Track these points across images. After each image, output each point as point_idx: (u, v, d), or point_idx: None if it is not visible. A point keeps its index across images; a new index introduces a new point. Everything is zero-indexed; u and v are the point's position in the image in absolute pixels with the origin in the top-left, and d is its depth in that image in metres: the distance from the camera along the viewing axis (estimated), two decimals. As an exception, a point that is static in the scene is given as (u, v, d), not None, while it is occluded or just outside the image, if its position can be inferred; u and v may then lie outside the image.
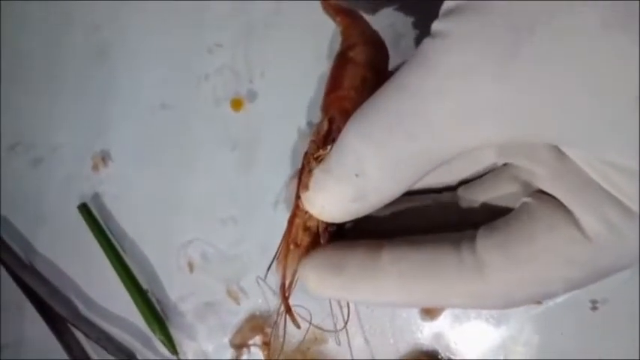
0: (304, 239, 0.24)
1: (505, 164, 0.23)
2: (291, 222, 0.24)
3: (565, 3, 0.16)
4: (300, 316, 0.25)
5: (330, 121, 0.23)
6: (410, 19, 0.34)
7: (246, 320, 0.36)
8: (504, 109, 0.18)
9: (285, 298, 0.24)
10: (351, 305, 0.33)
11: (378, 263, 0.22)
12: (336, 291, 0.23)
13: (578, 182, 0.20)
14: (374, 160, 0.20)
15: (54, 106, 0.39)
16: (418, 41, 0.32)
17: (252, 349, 0.35)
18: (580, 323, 0.32)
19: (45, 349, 0.38)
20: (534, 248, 0.20)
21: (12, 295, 0.38)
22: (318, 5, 0.30)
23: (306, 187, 0.22)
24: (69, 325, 0.38)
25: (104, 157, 0.38)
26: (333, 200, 0.21)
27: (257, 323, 0.35)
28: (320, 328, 0.28)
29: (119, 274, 0.37)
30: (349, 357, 0.33)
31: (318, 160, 0.22)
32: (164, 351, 0.37)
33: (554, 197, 0.21)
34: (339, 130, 0.22)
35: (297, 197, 0.23)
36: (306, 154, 0.23)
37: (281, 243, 0.24)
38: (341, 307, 0.26)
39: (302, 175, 0.23)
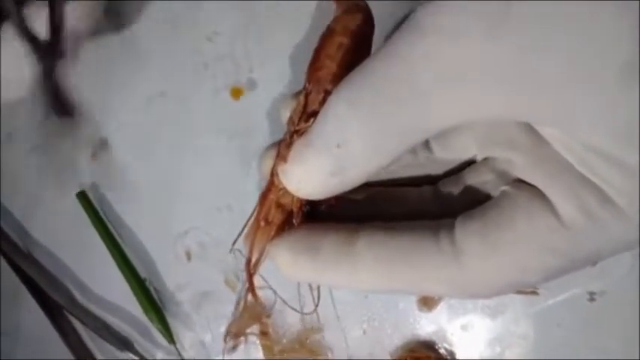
0: (276, 217, 0.23)
1: (485, 159, 0.23)
2: (263, 197, 0.23)
3: None
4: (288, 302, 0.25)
5: (307, 93, 0.22)
6: None
7: (244, 309, 0.36)
8: (492, 72, 0.17)
9: (249, 275, 0.24)
10: (334, 292, 0.33)
11: (354, 247, 0.21)
12: (309, 274, 0.22)
13: (557, 169, 0.20)
14: (357, 127, 0.19)
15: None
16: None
17: (250, 337, 0.35)
18: (577, 315, 0.32)
19: (42, 337, 0.38)
20: (512, 236, 0.20)
21: (10, 284, 0.38)
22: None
23: (284, 160, 0.21)
24: (66, 313, 0.38)
25: (103, 145, 0.38)
26: (311, 174, 0.21)
27: (254, 312, 0.35)
28: (293, 308, 0.27)
29: (117, 263, 0.37)
30: (346, 347, 0.34)
31: (299, 133, 0.21)
32: (161, 340, 0.37)
33: (532, 186, 0.21)
34: (315, 102, 0.21)
35: (273, 172, 0.22)
36: (287, 126, 0.22)
37: (250, 217, 0.23)
38: (311, 290, 0.25)
39: (280, 148, 0.22)
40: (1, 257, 0.38)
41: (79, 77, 0.38)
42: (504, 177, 0.22)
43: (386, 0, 0.30)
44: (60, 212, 0.39)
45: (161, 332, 0.37)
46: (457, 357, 0.32)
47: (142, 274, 0.37)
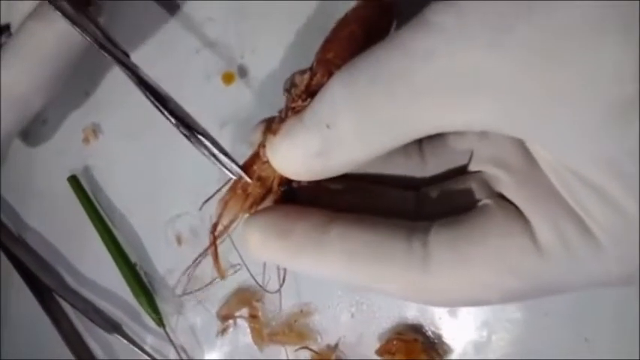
0: (255, 189, 0.23)
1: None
2: (246, 166, 0.23)
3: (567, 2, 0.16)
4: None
5: (312, 74, 0.22)
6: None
7: (234, 293, 0.36)
8: (489, 80, 0.17)
9: (214, 238, 0.24)
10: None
11: (326, 236, 0.21)
12: (277, 255, 0.22)
13: (542, 193, 0.19)
14: (348, 111, 0.19)
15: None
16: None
17: (239, 321, 0.36)
18: (565, 305, 0.32)
19: (32, 319, 0.38)
20: (484, 251, 0.20)
21: (1, 267, 0.39)
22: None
23: (273, 133, 0.21)
24: (56, 296, 0.38)
25: (95, 130, 0.39)
26: (297, 150, 0.20)
27: (244, 296, 0.35)
28: (260, 286, 0.27)
29: (108, 247, 0.37)
30: (335, 330, 0.34)
31: (295, 110, 0.21)
32: (151, 323, 0.37)
33: (513, 204, 0.20)
34: (319, 83, 0.21)
35: (261, 144, 0.22)
36: (286, 102, 0.22)
37: (229, 181, 0.23)
38: (278, 270, 0.25)
39: (273, 122, 0.22)
40: (-8, 241, 0.39)
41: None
42: (488, 190, 0.22)
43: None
44: (51, 196, 0.39)
45: (151, 316, 0.37)
46: (444, 340, 0.32)
47: (133, 258, 0.38)
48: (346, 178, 0.22)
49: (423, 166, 0.24)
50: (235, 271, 0.29)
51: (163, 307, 0.37)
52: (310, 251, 0.21)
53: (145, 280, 0.37)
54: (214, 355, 0.37)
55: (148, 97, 0.26)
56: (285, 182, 0.23)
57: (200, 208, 0.25)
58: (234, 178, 0.23)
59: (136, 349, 0.37)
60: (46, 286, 0.38)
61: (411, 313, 0.33)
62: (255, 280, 0.27)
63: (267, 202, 0.23)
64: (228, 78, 0.36)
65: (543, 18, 0.16)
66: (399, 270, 0.20)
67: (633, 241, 0.18)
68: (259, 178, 0.23)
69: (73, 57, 0.33)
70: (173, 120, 0.25)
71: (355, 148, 0.20)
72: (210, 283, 0.28)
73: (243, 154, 0.36)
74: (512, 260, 0.19)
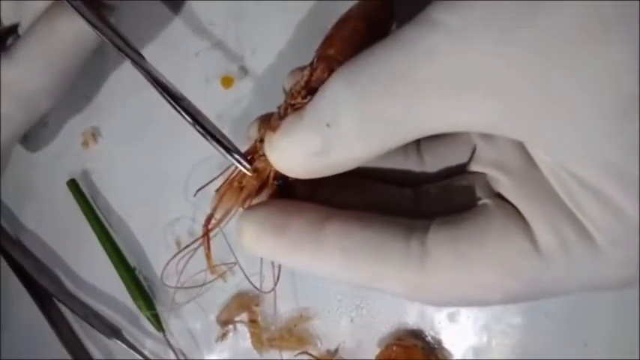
0: (250, 182, 0.23)
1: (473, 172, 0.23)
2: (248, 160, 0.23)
3: (571, 3, 0.16)
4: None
5: (313, 69, 0.22)
6: None
7: (233, 298, 0.36)
8: (491, 81, 0.17)
9: (207, 230, 0.24)
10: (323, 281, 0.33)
11: (323, 233, 0.21)
12: (272, 252, 0.21)
13: (542, 195, 0.19)
14: (349, 110, 0.19)
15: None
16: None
17: (239, 326, 0.36)
18: (565, 306, 0.32)
19: (31, 324, 0.38)
20: (483, 252, 0.20)
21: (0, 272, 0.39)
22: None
23: (272, 130, 0.21)
24: (55, 301, 0.38)
25: (94, 134, 0.38)
26: (296, 148, 0.20)
27: (243, 301, 0.35)
28: (254, 286, 0.27)
29: (107, 251, 0.37)
30: (334, 336, 0.34)
31: (295, 107, 0.21)
32: (150, 328, 0.37)
33: (514, 206, 0.20)
34: (319, 79, 0.21)
35: (260, 139, 0.22)
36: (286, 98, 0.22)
37: (225, 171, 0.23)
38: (273, 267, 0.25)
39: (272, 118, 0.22)
40: (-8, 245, 0.39)
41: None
42: (487, 190, 0.21)
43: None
44: (50, 200, 0.39)
45: (150, 320, 0.37)
46: (444, 345, 0.32)
47: (132, 262, 0.37)
48: (343, 174, 0.21)
49: (421, 163, 0.24)
50: (229, 268, 0.28)
51: (163, 311, 0.37)
52: (306, 248, 0.21)
53: (144, 284, 0.37)
54: (214, 359, 0.37)
55: (164, 97, 0.26)
56: (281, 176, 0.22)
57: (194, 195, 0.25)
58: (249, 173, 0.23)
59: (136, 354, 0.37)
60: (46, 290, 0.38)
61: (411, 318, 0.33)
62: (248, 279, 0.27)
63: (262, 197, 0.23)
64: (227, 81, 0.36)
65: (548, 19, 0.16)
66: (397, 268, 0.20)
67: (632, 244, 0.18)
68: (255, 170, 0.23)
69: (82, 58, 0.33)
70: (189, 119, 0.24)
71: (355, 147, 0.19)
72: (205, 284, 0.28)
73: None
74: (511, 261, 0.19)
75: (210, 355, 0.37)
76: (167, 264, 0.26)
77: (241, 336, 0.36)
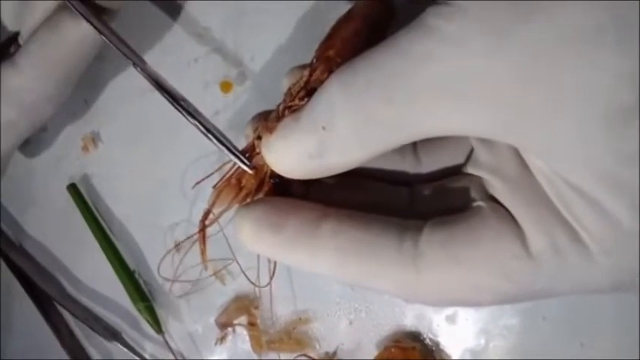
0: (249, 181, 0.23)
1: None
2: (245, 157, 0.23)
3: (564, 3, 0.16)
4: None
5: (312, 70, 0.22)
6: None
7: (232, 301, 0.36)
8: (485, 87, 0.17)
9: (203, 225, 0.24)
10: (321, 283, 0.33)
11: (318, 231, 0.21)
12: (269, 249, 0.22)
13: (535, 200, 0.19)
14: (345, 113, 0.19)
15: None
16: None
17: (238, 328, 0.36)
18: (563, 308, 0.32)
19: (32, 328, 0.38)
20: (475, 253, 0.20)
21: (1, 275, 0.39)
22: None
23: (269, 131, 0.21)
24: (56, 304, 0.38)
25: (94, 139, 0.39)
26: (292, 150, 0.21)
27: (243, 304, 0.35)
28: (251, 282, 0.27)
29: (107, 255, 0.38)
30: (333, 338, 0.34)
31: (292, 109, 0.21)
32: (150, 331, 0.37)
33: (507, 209, 0.20)
34: (318, 80, 0.21)
35: (257, 137, 0.22)
36: (284, 98, 0.22)
37: (221, 167, 0.24)
38: (269, 262, 0.25)
39: (269, 118, 0.22)
40: (-7, 249, 0.39)
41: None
42: (482, 192, 0.22)
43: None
44: (51, 205, 0.39)
45: (150, 323, 0.37)
46: (442, 347, 0.32)
47: (132, 265, 0.38)
48: (339, 173, 0.22)
49: (417, 163, 0.24)
50: (225, 265, 0.28)
51: (162, 314, 0.37)
52: (302, 246, 0.21)
53: (143, 287, 0.37)
54: (213, 362, 0.37)
55: (166, 99, 0.27)
56: (277, 175, 0.23)
57: (193, 187, 0.26)
58: (249, 170, 0.23)
59: (136, 357, 0.37)
60: (46, 294, 0.38)
61: (409, 320, 0.33)
62: (245, 274, 0.27)
63: (259, 195, 0.24)
64: (226, 86, 0.36)
65: (543, 23, 0.16)
66: (390, 268, 0.20)
67: (624, 251, 0.18)
68: (254, 167, 0.23)
69: (84, 64, 0.33)
70: (193, 121, 0.25)
71: (351, 150, 0.20)
72: (201, 279, 0.28)
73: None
74: (504, 264, 0.19)
75: (209, 357, 0.37)
76: (163, 257, 0.26)
77: (240, 339, 0.36)
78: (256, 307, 0.35)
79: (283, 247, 0.21)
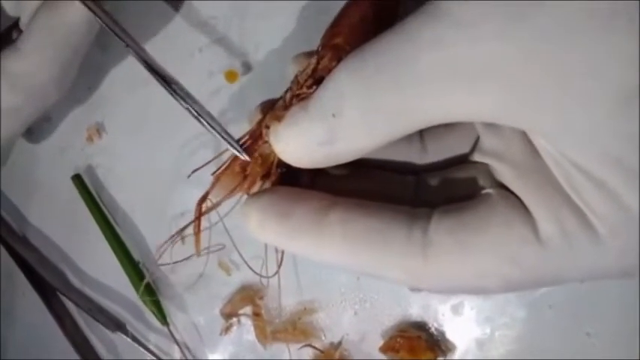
0: (254, 169, 0.23)
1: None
2: (248, 146, 0.23)
3: None
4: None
5: (319, 58, 0.22)
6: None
7: (237, 291, 0.36)
8: (495, 71, 0.17)
9: (199, 212, 0.24)
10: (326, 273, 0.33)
11: (326, 220, 0.21)
12: (276, 237, 0.22)
13: (544, 184, 0.19)
14: (354, 100, 0.19)
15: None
16: None
17: (242, 319, 0.36)
18: (569, 297, 0.32)
19: (36, 319, 0.38)
20: (484, 240, 0.20)
21: (5, 266, 0.39)
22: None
23: (277, 119, 0.21)
24: (60, 295, 0.38)
25: (98, 129, 0.39)
26: (300, 139, 0.20)
27: (247, 294, 0.35)
28: (255, 272, 0.27)
29: (111, 246, 0.37)
30: (338, 328, 0.34)
31: (300, 97, 0.21)
32: (155, 322, 0.37)
33: (516, 195, 0.20)
34: (326, 68, 0.21)
35: (263, 125, 0.22)
36: (291, 86, 0.22)
37: (221, 153, 0.23)
38: (276, 252, 0.25)
39: (277, 106, 0.22)
40: (-3, 241, 0.39)
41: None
42: (490, 179, 0.22)
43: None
44: (55, 195, 0.39)
45: (154, 314, 0.37)
46: (447, 337, 0.32)
47: (136, 256, 0.38)
48: (345, 163, 0.22)
49: (424, 151, 0.24)
50: (218, 249, 0.28)
51: (166, 305, 0.37)
52: (310, 235, 0.21)
53: (148, 278, 0.37)
54: (218, 353, 0.37)
55: (160, 83, 0.26)
56: (283, 164, 0.22)
57: (189, 177, 0.26)
58: (241, 156, 0.23)
59: (140, 348, 0.37)
60: (50, 285, 0.38)
61: (414, 310, 0.33)
62: (249, 266, 0.27)
63: (266, 185, 0.23)
64: (231, 76, 0.36)
65: (555, 7, 0.16)
66: (399, 256, 0.20)
67: (633, 235, 0.18)
68: (260, 155, 0.23)
69: (84, 45, 0.33)
70: (184, 103, 0.25)
71: (361, 137, 0.20)
72: (188, 258, 0.28)
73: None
74: (513, 250, 0.19)
75: (214, 348, 0.37)
76: (162, 246, 0.26)
77: (245, 329, 0.36)
78: (261, 298, 0.35)
79: (291, 236, 0.21)
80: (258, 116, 0.24)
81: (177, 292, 0.37)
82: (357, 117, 0.19)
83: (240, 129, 0.36)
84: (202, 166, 0.25)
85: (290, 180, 0.23)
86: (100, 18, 0.28)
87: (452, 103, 0.18)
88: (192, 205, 0.36)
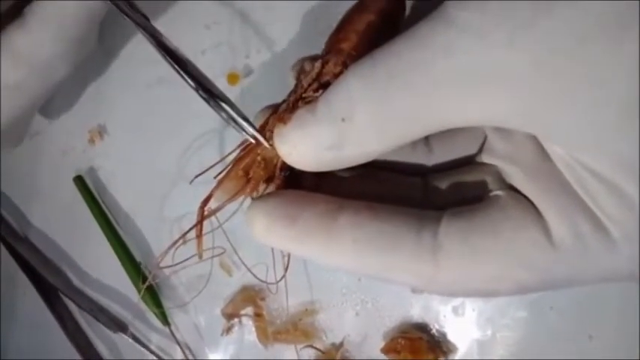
0: (257, 173, 0.22)
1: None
2: (250, 149, 0.23)
3: None
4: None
5: (324, 62, 0.22)
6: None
7: (238, 292, 0.36)
8: (505, 77, 0.17)
9: (202, 215, 0.23)
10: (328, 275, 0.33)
11: (335, 224, 0.21)
12: (283, 242, 0.21)
13: (556, 187, 0.19)
14: (366, 104, 0.19)
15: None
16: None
17: (244, 319, 0.36)
18: (570, 298, 0.32)
19: (38, 319, 0.38)
20: (495, 244, 0.20)
21: (7, 267, 0.39)
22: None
23: (283, 122, 0.20)
24: (61, 295, 0.38)
25: (100, 131, 0.39)
26: (309, 141, 0.20)
27: (249, 295, 0.35)
28: (258, 278, 0.27)
29: (113, 247, 0.38)
30: (340, 329, 0.34)
31: (305, 100, 0.21)
32: (156, 322, 0.37)
33: (527, 197, 0.20)
34: (331, 73, 0.21)
35: (267, 128, 0.22)
36: (295, 89, 0.22)
37: (227, 155, 0.23)
38: (282, 256, 0.25)
39: (280, 109, 0.22)
40: (-1, 241, 0.39)
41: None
42: (500, 181, 0.22)
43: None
44: (57, 197, 0.39)
45: (156, 315, 0.37)
46: (449, 338, 0.32)
47: (138, 257, 0.38)
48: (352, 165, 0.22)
49: (429, 153, 0.24)
50: (220, 253, 0.28)
51: (168, 306, 0.37)
52: (318, 238, 0.21)
53: (150, 279, 0.37)
54: (219, 353, 0.37)
55: (167, 61, 0.25)
56: (287, 167, 0.22)
57: (191, 182, 0.25)
58: (252, 142, 0.22)
59: (142, 348, 0.37)
60: (52, 285, 0.38)
61: (416, 311, 0.33)
62: (251, 272, 0.27)
63: (270, 188, 0.23)
64: (233, 78, 0.36)
65: (565, 15, 0.16)
66: (409, 260, 0.20)
67: None
68: (263, 159, 0.22)
69: (94, 21, 0.32)
70: (192, 83, 0.24)
71: (371, 141, 0.20)
72: (188, 259, 0.28)
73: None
74: (524, 253, 0.19)
75: (215, 348, 0.37)
76: (164, 253, 0.26)
77: (247, 330, 0.36)
78: (262, 299, 0.35)
79: (298, 240, 0.21)
80: (262, 121, 0.24)
81: (179, 293, 0.37)
82: (368, 121, 0.19)
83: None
84: (205, 171, 0.25)
85: (294, 183, 0.23)
86: None
87: (465, 109, 0.18)
88: (193, 207, 0.36)
